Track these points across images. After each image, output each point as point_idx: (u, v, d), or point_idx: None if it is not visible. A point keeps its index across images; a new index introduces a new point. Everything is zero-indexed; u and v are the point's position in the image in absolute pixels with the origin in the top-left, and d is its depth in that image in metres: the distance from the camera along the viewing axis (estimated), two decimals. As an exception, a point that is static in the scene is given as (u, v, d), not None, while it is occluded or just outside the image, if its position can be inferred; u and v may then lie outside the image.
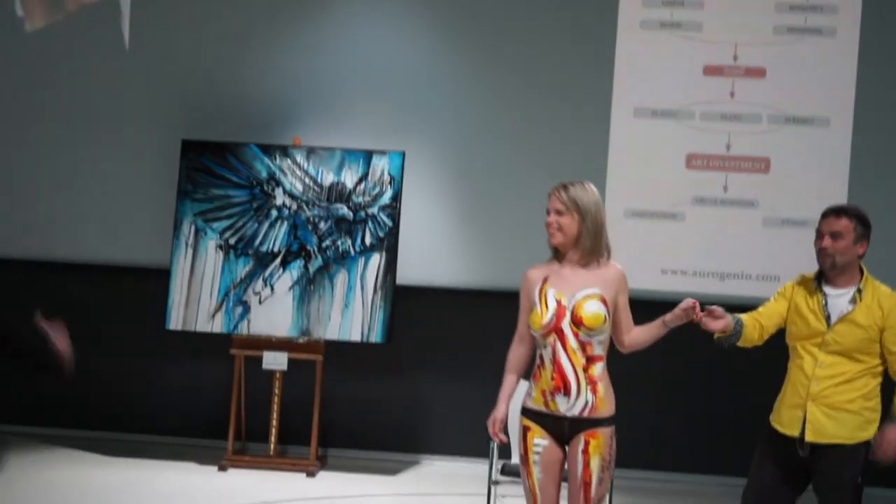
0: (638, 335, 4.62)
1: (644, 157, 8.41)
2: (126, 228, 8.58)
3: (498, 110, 8.58)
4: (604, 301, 4.50)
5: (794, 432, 4.59)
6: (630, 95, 8.44)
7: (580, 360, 4.46)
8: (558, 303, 4.50)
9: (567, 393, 4.45)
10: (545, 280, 4.57)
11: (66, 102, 8.50)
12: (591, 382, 4.47)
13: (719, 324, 4.55)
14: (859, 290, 4.59)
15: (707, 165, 8.39)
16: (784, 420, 4.64)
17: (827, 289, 4.61)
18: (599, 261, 4.60)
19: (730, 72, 8.37)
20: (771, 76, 8.34)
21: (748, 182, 8.31)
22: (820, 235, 4.61)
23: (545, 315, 4.49)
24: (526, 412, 4.58)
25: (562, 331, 4.48)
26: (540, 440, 4.53)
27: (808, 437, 4.54)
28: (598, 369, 4.50)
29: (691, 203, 8.38)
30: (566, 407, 4.47)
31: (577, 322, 4.46)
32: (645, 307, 8.02)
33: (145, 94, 8.60)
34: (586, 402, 4.46)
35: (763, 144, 8.35)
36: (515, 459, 4.80)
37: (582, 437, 4.47)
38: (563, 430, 4.51)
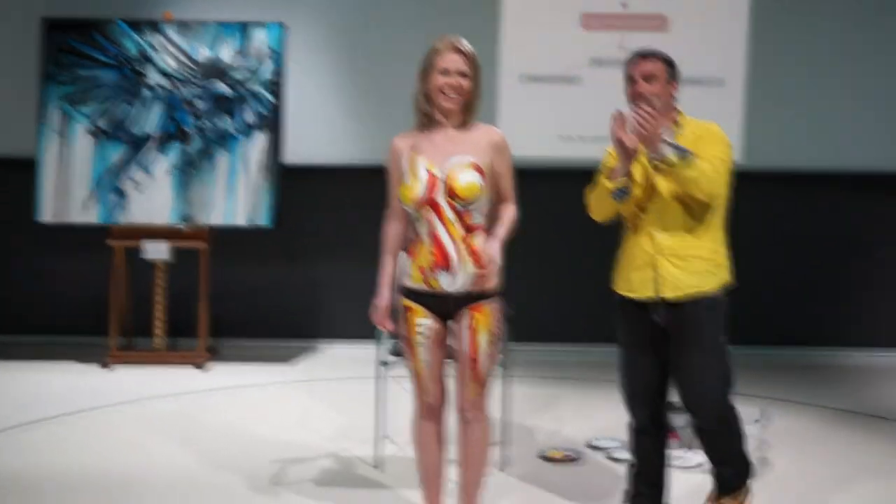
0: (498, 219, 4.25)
1: (538, 19, 8.10)
2: (-14, 117, 8.05)
3: (383, -25, 8.16)
4: (478, 168, 4.13)
5: (648, 293, 4.33)
6: (520, -46, 8.06)
7: (459, 232, 4.13)
8: (430, 173, 4.14)
9: (448, 268, 4.12)
10: (414, 149, 4.19)
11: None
12: (474, 254, 4.14)
13: (630, 139, 4.17)
14: (676, 122, 4.38)
15: (603, 25, 8.07)
16: (635, 284, 4.39)
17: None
18: (470, 124, 4.22)
19: (623, -76, 8.04)
20: (665, -74, 8.02)
21: (646, 41, 7.82)
22: (632, 81, 4.35)
23: (416, 188, 4.13)
24: (406, 292, 4.26)
25: (436, 202, 4.13)
26: (423, 320, 4.22)
27: (666, 294, 4.29)
28: (479, 239, 4.17)
29: (588, 65, 8.08)
30: (448, 283, 4.14)
31: (450, 193, 4.11)
32: (543, 175, 7.92)
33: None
34: (470, 276, 4.12)
35: (660, 1, 8.04)
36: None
37: (467, 313, 4.18)
38: (448, 306, 4.21)
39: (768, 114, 8.05)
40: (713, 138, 4.31)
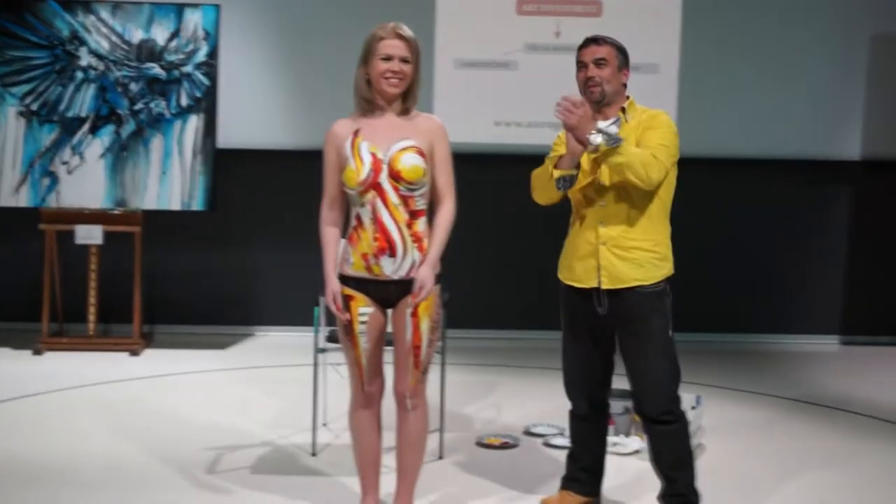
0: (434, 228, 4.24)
1: (473, 4, 8.09)
2: (-86, 98, 7.87)
3: (318, -42, 8.11)
4: (421, 153, 4.13)
5: (591, 283, 4.33)
6: (457, -61, 8.05)
7: (403, 216, 4.12)
8: (373, 156, 4.12)
9: (393, 254, 4.11)
10: (356, 133, 4.18)
11: None
12: (417, 240, 4.14)
13: (574, 119, 4.09)
14: (623, 109, 4.33)
15: (538, 10, 8.08)
16: (578, 273, 4.38)
17: (598, 123, 4.24)
18: (412, 110, 4.22)
19: (559, -90, 8.06)
20: (601, -86, 8.05)
21: (581, 26, 8.00)
22: (583, 66, 4.34)
23: (361, 170, 4.11)
24: (346, 280, 4.23)
25: (380, 186, 4.11)
26: (365, 309, 4.20)
27: (605, 284, 4.30)
28: (422, 224, 4.17)
29: (523, 50, 8.09)
30: (392, 269, 4.13)
31: (395, 176, 4.10)
32: (478, 161, 7.92)
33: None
34: (413, 262, 4.13)
35: (596, -14, 8.09)
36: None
37: (410, 300, 4.15)
38: (389, 294, 4.19)
39: (701, 100, 8.13)
40: (658, 125, 4.29)
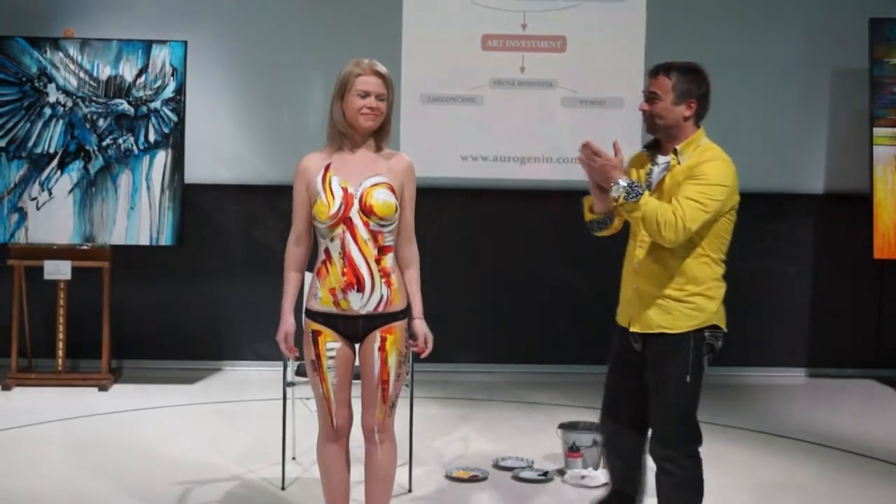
0: (405, 275, 4.32)
1: (439, 40, 8.15)
2: None
3: (285, -6, 8.17)
4: (392, 190, 4.18)
5: (626, 323, 4.28)
6: (421, -24, 8.13)
7: (372, 252, 4.16)
8: (344, 191, 4.16)
9: (361, 289, 4.15)
10: (328, 168, 4.22)
11: None
12: (385, 275, 4.18)
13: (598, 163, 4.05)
14: (675, 151, 4.17)
15: (503, 46, 8.16)
16: (621, 312, 4.35)
17: (659, 158, 4.24)
18: (384, 147, 4.27)
19: (523, -52, 8.16)
20: (564, -48, 8.15)
21: (545, 62, 8.14)
22: (643, 97, 4.26)
23: (332, 204, 4.14)
24: (314, 315, 4.26)
25: (350, 220, 4.15)
26: (332, 344, 4.24)
27: (634, 328, 4.23)
28: (390, 260, 4.22)
29: (489, 86, 8.16)
30: (360, 304, 4.17)
31: (366, 211, 4.14)
32: (446, 195, 7.98)
33: None
34: (381, 297, 4.17)
35: (559, 22, 8.15)
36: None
37: (377, 334, 4.21)
38: (357, 329, 4.23)
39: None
40: (698, 175, 4.08)
